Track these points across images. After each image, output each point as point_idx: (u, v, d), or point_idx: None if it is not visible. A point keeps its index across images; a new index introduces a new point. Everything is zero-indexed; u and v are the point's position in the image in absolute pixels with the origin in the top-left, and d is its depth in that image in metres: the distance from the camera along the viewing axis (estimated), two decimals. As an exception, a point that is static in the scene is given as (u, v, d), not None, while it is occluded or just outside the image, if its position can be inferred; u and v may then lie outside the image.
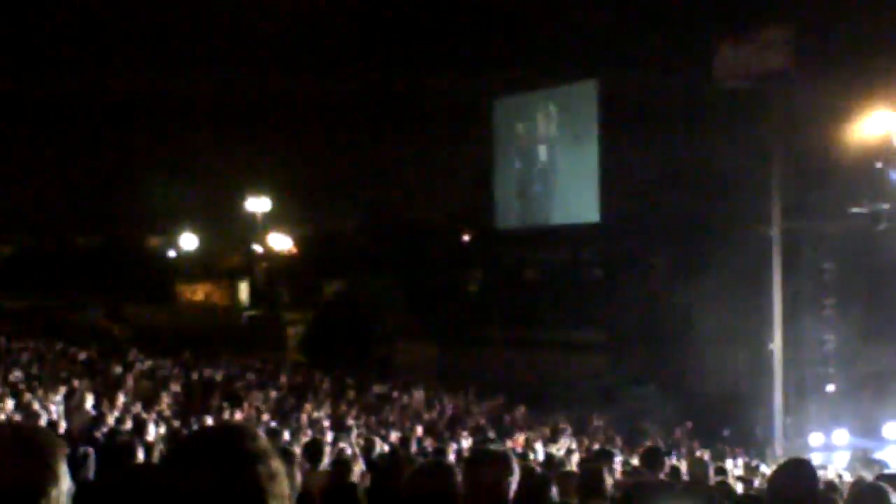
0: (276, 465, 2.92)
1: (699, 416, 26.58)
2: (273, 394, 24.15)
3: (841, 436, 26.73)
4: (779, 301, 26.91)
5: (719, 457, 23.39)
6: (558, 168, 33.04)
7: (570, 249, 32.53)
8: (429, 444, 17.82)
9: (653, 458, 9.93)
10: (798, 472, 6.51)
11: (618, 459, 13.36)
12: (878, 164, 26.04)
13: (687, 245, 27.56)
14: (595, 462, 9.83)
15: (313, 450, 10.56)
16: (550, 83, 32.38)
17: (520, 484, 5.60)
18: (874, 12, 23.71)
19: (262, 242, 43.92)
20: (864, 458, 24.55)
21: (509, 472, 5.47)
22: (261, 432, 3.03)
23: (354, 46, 31.59)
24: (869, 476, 20.08)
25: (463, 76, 31.74)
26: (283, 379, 27.55)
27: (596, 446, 21.10)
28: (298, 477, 8.63)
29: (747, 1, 25.43)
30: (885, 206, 26.35)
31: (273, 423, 17.78)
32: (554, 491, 6.52)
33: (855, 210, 26.78)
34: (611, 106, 30.09)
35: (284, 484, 2.94)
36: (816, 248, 27.73)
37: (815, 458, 24.64)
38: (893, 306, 26.09)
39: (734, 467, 21.56)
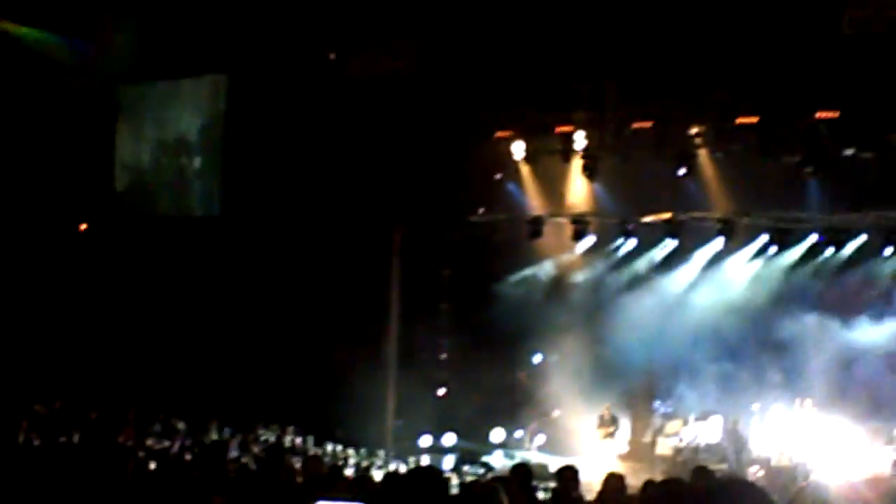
0: None
1: (313, 415, 26.59)
2: None
3: (450, 439, 27.40)
4: (396, 304, 27.36)
5: (333, 457, 23.62)
6: (178, 160, 32.30)
7: (193, 243, 31.75)
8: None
9: (273, 457, 9.81)
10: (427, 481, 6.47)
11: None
12: (497, 176, 26.95)
13: (310, 243, 27.47)
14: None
15: None
16: (179, 74, 31.58)
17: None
18: (506, 30, 24.38)
19: None
20: (471, 461, 25.42)
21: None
22: None
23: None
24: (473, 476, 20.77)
25: (88, 59, 30.46)
26: None
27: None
28: None
29: (378, 7, 25.60)
30: (502, 216, 27.34)
31: None
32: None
33: (473, 219, 27.62)
34: (239, 101, 29.63)
35: None
36: (435, 254, 28.28)
37: (424, 460, 25.23)
38: (504, 315, 26.98)
39: (347, 467, 21.80)
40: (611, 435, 25.67)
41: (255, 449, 22.86)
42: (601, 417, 25.76)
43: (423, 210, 27.28)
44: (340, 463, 22.36)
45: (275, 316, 27.77)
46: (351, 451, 25.51)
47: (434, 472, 6.99)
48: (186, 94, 31.65)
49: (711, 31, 22.00)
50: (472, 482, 14.21)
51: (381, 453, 25.97)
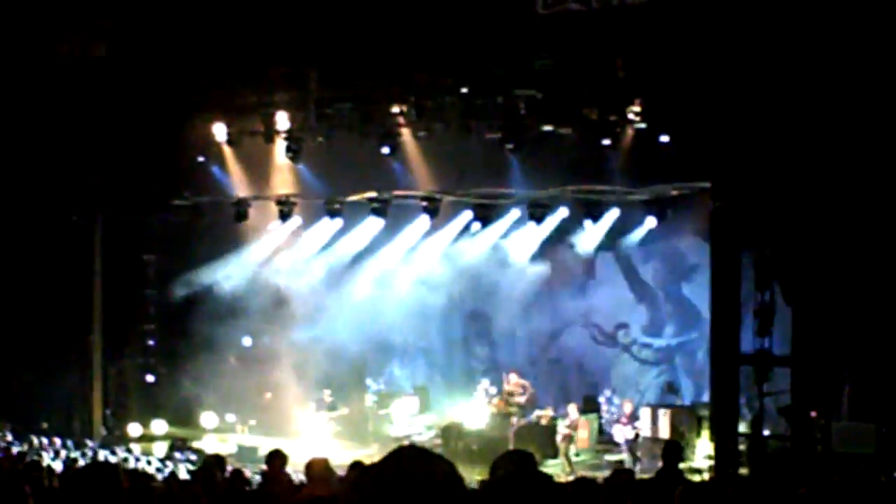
0: None
1: (17, 409, 25.69)
2: None
3: (159, 426, 26.91)
4: (99, 292, 26.59)
5: (37, 451, 22.80)
6: None
7: None
8: None
9: None
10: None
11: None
12: (201, 158, 26.50)
13: (7, 231, 26.35)
14: None
15: None
16: None
17: None
18: (203, 10, 23.83)
19: None
20: (182, 447, 25.04)
21: None
22: None
23: None
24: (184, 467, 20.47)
25: None
26: None
27: None
28: None
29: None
30: (206, 199, 26.90)
31: None
32: None
33: (177, 202, 27.07)
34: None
35: None
36: (138, 240, 27.62)
37: (135, 449, 24.72)
38: (212, 299, 26.71)
39: (54, 460, 21.10)
40: (330, 414, 25.72)
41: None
42: (319, 401, 25.79)
43: (124, 195, 26.52)
44: (50, 455, 21.82)
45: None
46: (58, 443, 24.72)
47: (108, 467, 6.82)
48: None
49: (409, 10, 22.12)
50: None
51: (91, 444, 25.25)
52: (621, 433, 22.78)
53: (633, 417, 22.90)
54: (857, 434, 19.04)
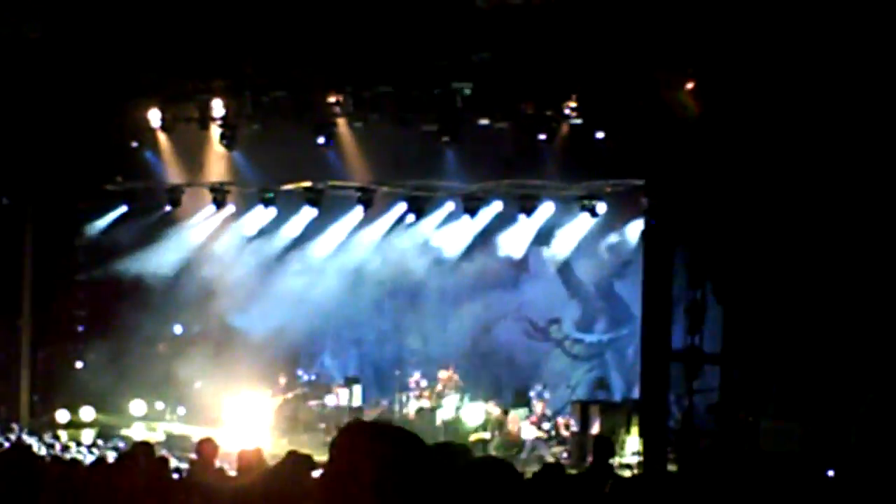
0: None
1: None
2: None
3: (87, 412, 26.64)
4: (29, 276, 26.34)
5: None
6: None
7: None
8: None
9: None
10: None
11: None
12: (134, 144, 26.24)
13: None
14: None
15: None
16: None
17: None
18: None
19: None
20: (110, 435, 24.85)
21: None
22: None
23: None
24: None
25: None
26: None
27: None
28: None
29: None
30: (139, 185, 26.71)
31: None
32: None
33: (109, 188, 26.84)
34: None
35: None
36: (69, 224, 27.37)
37: (62, 436, 24.53)
38: (143, 286, 26.57)
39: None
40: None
41: None
42: (276, 385, 25.66)
43: (56, 179, 26.24)
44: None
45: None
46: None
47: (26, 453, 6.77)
48: None
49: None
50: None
51: (16, 429, 25.02)
52: (528, 431, 23.07)
53: (543, 418, 23.13)
54: (783, 432, 19.22)
